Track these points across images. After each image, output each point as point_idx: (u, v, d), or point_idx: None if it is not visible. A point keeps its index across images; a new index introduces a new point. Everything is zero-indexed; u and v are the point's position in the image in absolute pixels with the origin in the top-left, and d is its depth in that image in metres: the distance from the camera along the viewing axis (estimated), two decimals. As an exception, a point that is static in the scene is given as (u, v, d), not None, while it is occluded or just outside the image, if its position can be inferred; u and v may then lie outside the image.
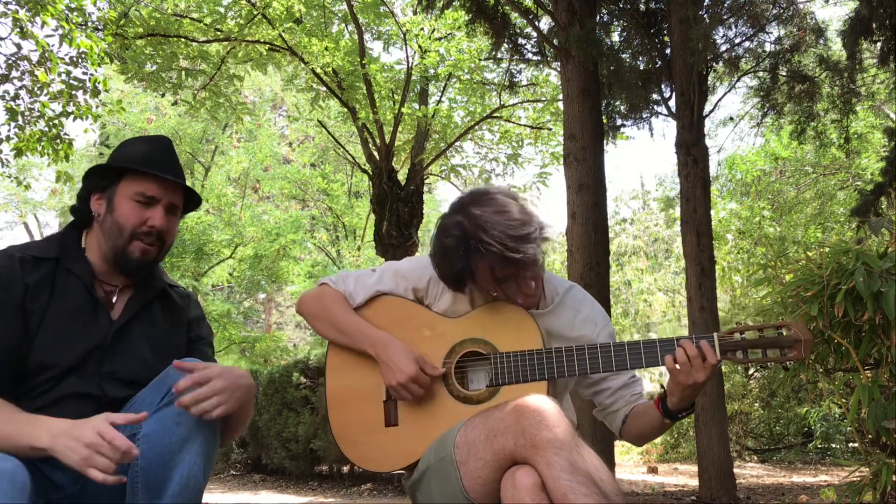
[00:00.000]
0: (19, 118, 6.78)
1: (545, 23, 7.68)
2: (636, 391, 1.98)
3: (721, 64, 6.58)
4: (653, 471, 9.57)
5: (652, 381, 13.96)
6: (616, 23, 7.10)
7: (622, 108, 7.27)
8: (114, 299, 1.76)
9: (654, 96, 6.82)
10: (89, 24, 6.95)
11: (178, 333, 1.83)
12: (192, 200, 1.88)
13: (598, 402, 2.00)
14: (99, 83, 6.82)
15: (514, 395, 1.74)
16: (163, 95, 10.31)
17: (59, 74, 6.70)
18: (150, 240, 1.74)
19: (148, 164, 1.74)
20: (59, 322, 1.64)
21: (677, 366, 1.73)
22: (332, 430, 1.96)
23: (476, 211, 1.75)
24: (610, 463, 6.04)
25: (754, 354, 1.76)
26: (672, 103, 6.38)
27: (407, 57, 8.85)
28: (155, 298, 1.82)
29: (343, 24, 9.39)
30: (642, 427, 1.93)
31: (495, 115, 9.93)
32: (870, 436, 2.62)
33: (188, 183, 1.85)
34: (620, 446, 11.54)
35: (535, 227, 1.76)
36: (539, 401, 1.59)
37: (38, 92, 6.73)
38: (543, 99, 10.09)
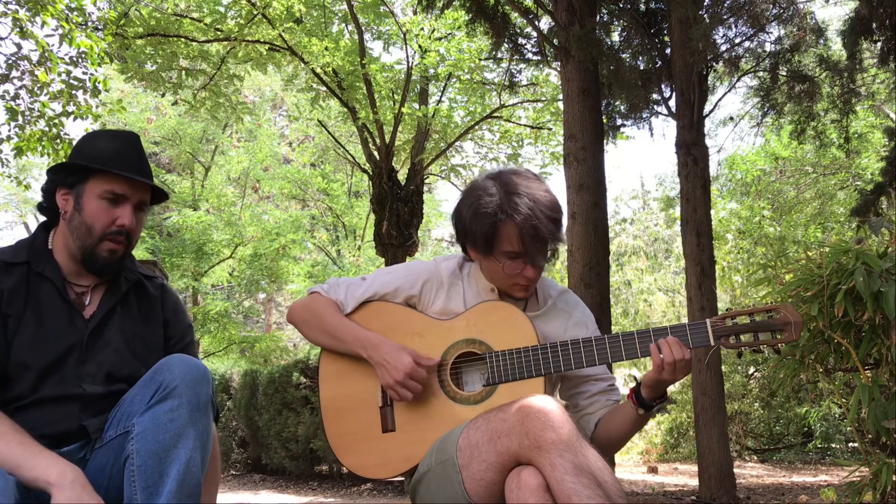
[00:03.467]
0: (19, 118, 6.77)
1: (545, 23, 7.67)
2: (614, 398, 1.97)
3: (721, 64, 6.58)
4: (653, 471, 9.57)
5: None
6: (616, 23, 7.10)
7: (622, 108, 7.28)
8: (87, 300, 1.76)
9: (654, 96, 6.82)
10: (89, 24, 6.95)
11: (153, 328, 1.82)
12: (158, 195, 1.86)
13: (575, 403, 1.99)
14: (99, 83, 6.82)
15: (511, 394, 1.74)
16: (163, 95, 10.33)
17: (59, 74, 6.69)
18: (119, 238, 1.73)
19: (118, 165, 1.72)
20: (34, 326, 1.65)
21: (661, 356, 1.74)
22: (328, 441, 1.94)
23: (515, 179, 1.83)
24: (610, 463, 6.04)
25: (747, 339, 1.77)
26: (672, 103, 6.38)
27: (407, 57, 8.85)
28: (129, 291, 1.81)
29: (343, 24, 9.38)
30: (613, 427, 1.90)
31: (495, 115, 9.92)
32: (870, 436, 2.62)
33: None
34: (620, 446, 11.53)
35: (561, 213, 1.85)
36: (543, 401, 1.58)
37: (38, 92, 6.73)
38: (543, 99, 10.09)
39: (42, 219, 1.83)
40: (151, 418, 1.51)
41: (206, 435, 1.57)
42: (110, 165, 1.71)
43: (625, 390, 1.90)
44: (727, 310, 1.83)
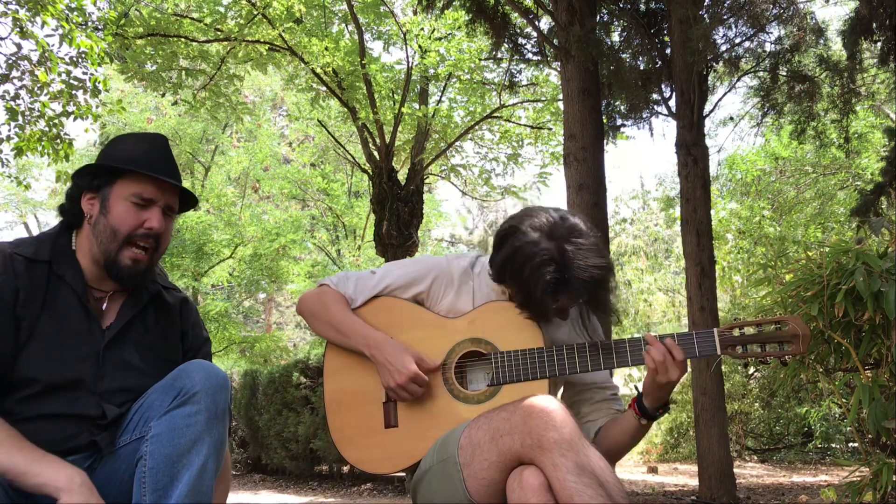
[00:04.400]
0: (19, 118, 6.77)
1: (545, 23, 7.68)
2: (616, 407, 1.97)
3: (721, 64, 6.58)
4: (653, 471, 9.57)
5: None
6: (616, 23, 7.10)
7: (622, 108, 7.27)
8: (104, 306, 1.70)
9: (654, 96, 6.81)
10: (89, 24, 6.95)
11: (172, 341, 1.77)
12: (187, 201, 1.81)
13: (577, 410, 1.98)
14: (99, 83, 6.82)
15: (515, 395, 1.74)
16: (163, 95, 10.32)
17: (59, 74, 6.69)
18: (145, 243, 1.68)
19: (147, 166, 1.67)
20: (50, 335, 1.59)
21: (652, 358, 1.74)
22: (330, 434, 1.95)
23: (570, 248, 1.74)
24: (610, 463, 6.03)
25: (753, 349, 1.78)
26: (672, 103, 6.38)
27: (407, 57, 8.85)
28: (148, 303, 1.76)
29: (343, 24, 9.39)
30: (615, 435, 1.89)
31: (495, 115, 9.92)
32: (870, 436, 2.62)
33: (188, 183, 1.82)
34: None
35: (614, 275, 1.81)
36: (546, 401, 1.58)
37: (38, 92, 6.73)
38: (543, 99, 10.09)
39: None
40: (168, 422, 1.50)
41: (221, 443, 1.56)
42: (138, 166, 1.67)
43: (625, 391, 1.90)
44: (734, 319, 1.83)
